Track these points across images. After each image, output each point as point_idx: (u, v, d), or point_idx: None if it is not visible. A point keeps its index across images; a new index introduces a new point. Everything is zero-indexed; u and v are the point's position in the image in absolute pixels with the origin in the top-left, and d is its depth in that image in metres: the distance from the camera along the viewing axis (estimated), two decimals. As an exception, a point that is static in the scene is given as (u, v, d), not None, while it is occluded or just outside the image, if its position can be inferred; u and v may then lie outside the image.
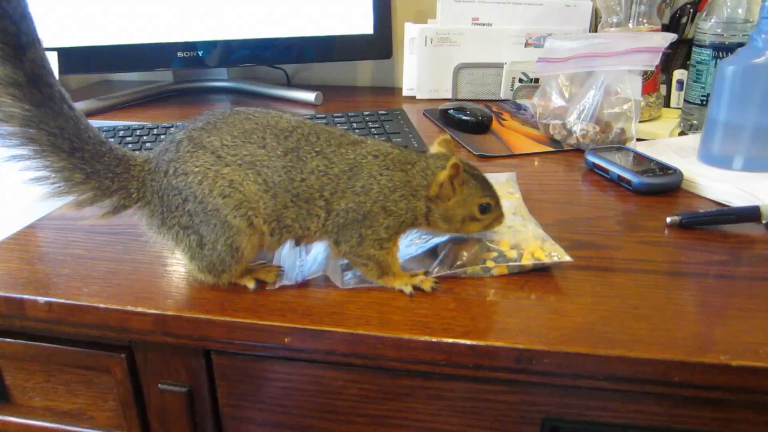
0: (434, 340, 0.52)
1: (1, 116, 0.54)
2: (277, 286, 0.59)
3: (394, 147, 0.60)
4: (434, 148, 0.62)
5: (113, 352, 0.62)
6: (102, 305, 0.57)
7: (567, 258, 0.60)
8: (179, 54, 1.19)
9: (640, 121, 1.05)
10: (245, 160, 0.56)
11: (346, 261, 0.61)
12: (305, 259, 0.64)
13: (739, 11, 0.97)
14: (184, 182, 0.56)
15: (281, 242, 0.59)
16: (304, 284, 0.60)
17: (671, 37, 0.94)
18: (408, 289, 0.58)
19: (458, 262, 0.60)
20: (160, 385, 0.62)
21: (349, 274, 0.61)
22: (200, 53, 1.19)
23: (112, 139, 0.96)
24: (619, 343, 0.51)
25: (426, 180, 0.58)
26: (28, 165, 0.57)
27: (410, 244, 0.66)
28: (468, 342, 0.51)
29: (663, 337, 0.52)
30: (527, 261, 0.61)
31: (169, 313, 0.55)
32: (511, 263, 0.60)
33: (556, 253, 0.61)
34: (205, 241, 0.57)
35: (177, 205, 0.57)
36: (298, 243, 0.61)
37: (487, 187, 0.60)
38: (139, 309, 0.56)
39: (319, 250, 0.64)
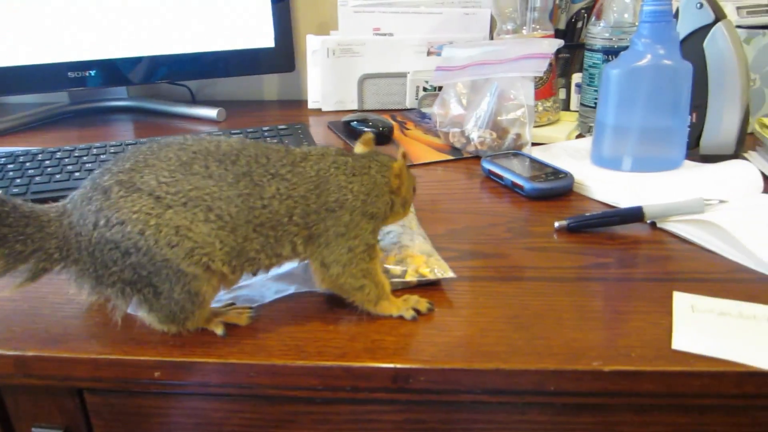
0: (309, 364, 0.50)
1: None
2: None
3: (343, 153, 0.58)
4: (359, 148, 0.61)
5: (-23, 398, 0.58)
6: (-43, 351, 0.53)
7: (450, 274, 0.60)
8: (70, 74, 1.14)
9: (540, 126, 1.06)
10: (190, 196, 0.50)
11: None
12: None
13: (626, 15, 0.99)
14: (121, 233, 0.50)
15: (241, 278, 0.56)
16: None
17: (558, 42, 0.96)
18: (410, 314, 0.56)
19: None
20: (33, 429, 0.58)
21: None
22: (92, 72, 1.14)
23: (11, 166, 0.91)
24: (495, 355, 0.51)
25: (385, 176, 0.57)
26: None
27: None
28: (343, 364, 0.50)
29: (540, 345, 0.52)
30: (411, 277, 0.60)
31: (30, 353, 0.52)
32: (394, 279, 0.59)
33: (439, 270, 0.60)
34: (160, 290, 0.51)
35: (115, 259, 0.50)
36: (255, 273, 0.56)
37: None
38: (-3, 352, 0.52)
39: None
